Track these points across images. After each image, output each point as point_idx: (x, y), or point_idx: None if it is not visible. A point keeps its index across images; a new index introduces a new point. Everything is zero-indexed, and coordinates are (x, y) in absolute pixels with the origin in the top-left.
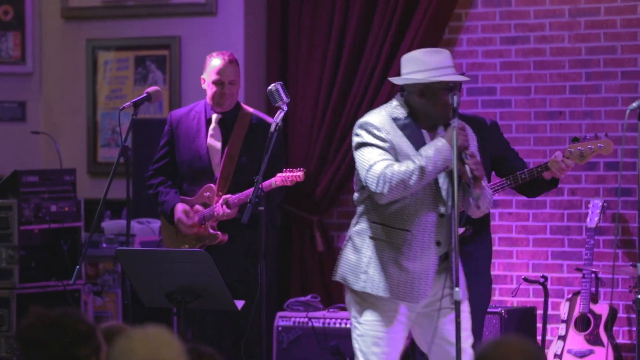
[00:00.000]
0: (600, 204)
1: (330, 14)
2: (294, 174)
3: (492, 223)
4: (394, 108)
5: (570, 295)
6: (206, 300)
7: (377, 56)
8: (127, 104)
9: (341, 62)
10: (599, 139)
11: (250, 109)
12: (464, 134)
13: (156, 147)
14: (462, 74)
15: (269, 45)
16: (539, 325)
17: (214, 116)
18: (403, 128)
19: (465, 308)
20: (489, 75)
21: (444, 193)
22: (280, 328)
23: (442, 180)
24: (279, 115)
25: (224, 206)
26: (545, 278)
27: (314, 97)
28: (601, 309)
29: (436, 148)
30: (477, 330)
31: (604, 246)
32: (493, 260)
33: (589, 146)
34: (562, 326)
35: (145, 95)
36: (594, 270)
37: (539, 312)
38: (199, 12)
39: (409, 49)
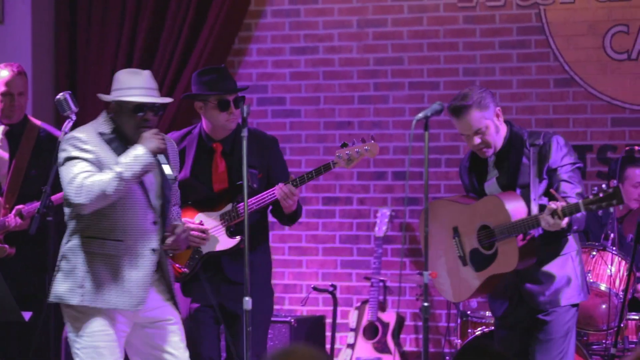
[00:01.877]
0: (388, 213)
1: (120, 23)
2: None
3: (282, 232)
4: (100, 124)
5: (359, 304)
6: None
7: (167, 65)
8: None
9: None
10: (366, 143)
11: (38, 122)
12: (159, 137)
13: None
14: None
15: (57, 54)
16: (328, 333)
17: (1, 128)
18: (109, 142)
19: (178, 321)
20: (279, 85)
21: (153, 201)
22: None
23: (150, 188)
24: (68, 125)
25: (17, 217)
26: (335, 287)
27: (103, 106)
28: (389, 317)
29: (134, 154)
30: (261, 341)
31: (392, 255)
32: (283, 270)
33: (356, 150)
34: (351, 334)
35: None
36: (382, 278)
37: (328, 320)
38: None
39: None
